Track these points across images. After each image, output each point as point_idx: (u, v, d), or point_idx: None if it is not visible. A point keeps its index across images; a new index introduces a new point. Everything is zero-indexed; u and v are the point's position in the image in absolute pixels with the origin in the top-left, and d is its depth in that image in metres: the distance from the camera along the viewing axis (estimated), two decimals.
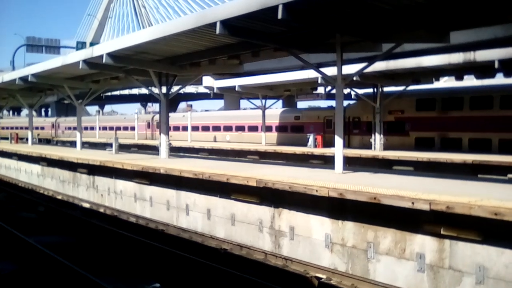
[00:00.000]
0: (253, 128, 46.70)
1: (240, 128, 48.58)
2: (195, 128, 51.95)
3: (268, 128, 43.35)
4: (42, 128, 76.46)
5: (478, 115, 30.42)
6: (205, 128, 52.35)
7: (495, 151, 29.26)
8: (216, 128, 51.15)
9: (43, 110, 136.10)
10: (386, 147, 32.12)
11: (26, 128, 42.91)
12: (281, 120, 44.69)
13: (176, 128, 53.00)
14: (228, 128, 49.91)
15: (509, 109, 29.02)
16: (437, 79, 36.22)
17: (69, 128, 67.64)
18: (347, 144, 35.95)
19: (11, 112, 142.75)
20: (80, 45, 60.42)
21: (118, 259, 13.07)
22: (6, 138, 47.44)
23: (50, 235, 15.83)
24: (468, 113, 31.03)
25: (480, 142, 30.17)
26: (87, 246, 14.55)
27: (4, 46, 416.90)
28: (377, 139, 31.62)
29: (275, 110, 46.84)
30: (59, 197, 24.49)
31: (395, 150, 31.04)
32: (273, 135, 44.42)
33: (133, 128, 61.95)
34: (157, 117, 56.32)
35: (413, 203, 9.62)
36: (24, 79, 28.25)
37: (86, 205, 21.88)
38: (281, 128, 44.49)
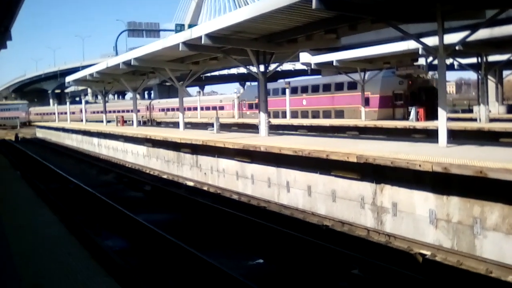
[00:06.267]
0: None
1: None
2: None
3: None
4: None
5: None
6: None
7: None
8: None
9: (146, 93, 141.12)
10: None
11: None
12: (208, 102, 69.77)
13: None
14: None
15: None
16: None
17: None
18: None
19: (116, 96, 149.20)
20: (179, 28, 61.81)
21: (222, 235, 13.44)
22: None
23: (157, 213, 16.52)
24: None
25: None
26: (192, 223, 15.05)
27: (107, 32, 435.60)
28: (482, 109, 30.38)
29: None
30: (164, 176, 25.39)
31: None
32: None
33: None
34: (153, 102, 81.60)
35: None
36: (127, 63, 29.32)
37: (190, 184, 22.55)
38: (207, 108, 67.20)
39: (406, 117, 37.46)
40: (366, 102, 40.00)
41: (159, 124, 61.36)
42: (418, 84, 39.81)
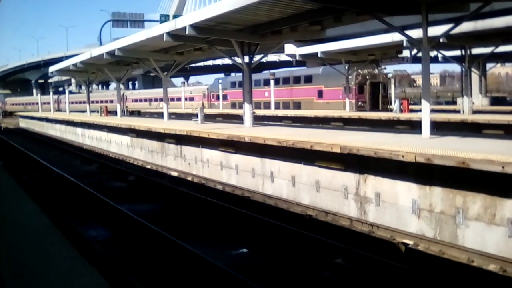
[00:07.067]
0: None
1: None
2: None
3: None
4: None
5: None
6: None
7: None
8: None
9: (130, 83, 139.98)
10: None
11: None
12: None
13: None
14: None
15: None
16: None
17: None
18: None
19: (100, 86, 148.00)
20: (164, 18, 61.36)
21: (206, 225, 13.45)
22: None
23: (140, 203, 16.49)
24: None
25: None
26: (177, 213, 15.05)
27: (91, 23, 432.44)
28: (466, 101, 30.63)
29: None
30: (148, 166, 25.34)
31: None
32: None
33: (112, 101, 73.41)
34: (126, 93, 79.94)
35: (503, 167, 9.27)
36: (111, 53, 29.14)
37: (174, 174, 22.52)
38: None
39: (355, 108, 41.49)
40: (320, 94, 45.71)
41: (131, 113, 61.82)
42: (365, 78, 43.27)
